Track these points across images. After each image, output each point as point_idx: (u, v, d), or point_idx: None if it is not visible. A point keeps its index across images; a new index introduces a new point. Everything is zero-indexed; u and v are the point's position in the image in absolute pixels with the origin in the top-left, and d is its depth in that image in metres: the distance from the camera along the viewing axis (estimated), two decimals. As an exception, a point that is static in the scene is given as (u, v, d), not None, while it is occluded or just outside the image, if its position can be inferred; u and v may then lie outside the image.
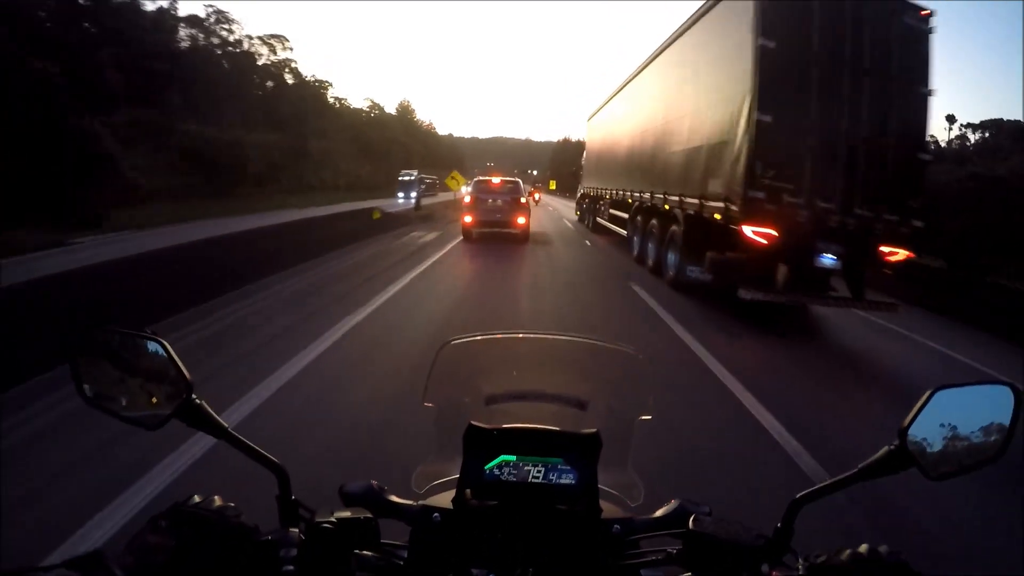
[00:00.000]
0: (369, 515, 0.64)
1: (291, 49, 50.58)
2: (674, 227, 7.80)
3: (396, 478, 0.82)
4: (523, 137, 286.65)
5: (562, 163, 79.26)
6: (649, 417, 0.84)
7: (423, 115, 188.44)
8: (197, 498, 0.62)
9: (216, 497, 0.63)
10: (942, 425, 0.62)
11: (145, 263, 5.95)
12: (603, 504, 0.71)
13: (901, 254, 5.87)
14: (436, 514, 0.69)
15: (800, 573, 0.62)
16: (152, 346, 0.67)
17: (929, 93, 6.01)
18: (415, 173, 39.88)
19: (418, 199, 30.07)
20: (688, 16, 8.08)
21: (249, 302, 6.01)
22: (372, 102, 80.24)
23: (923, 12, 5.92)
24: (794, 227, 5.70)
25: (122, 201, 19.08)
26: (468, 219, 12.52)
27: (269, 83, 48.19)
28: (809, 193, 5.68)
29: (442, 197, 38.48)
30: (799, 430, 3.29)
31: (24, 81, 16.93)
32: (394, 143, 67.44)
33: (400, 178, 40.18)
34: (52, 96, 17.70)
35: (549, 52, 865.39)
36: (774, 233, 5.66)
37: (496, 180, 13.26)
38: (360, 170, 49.17)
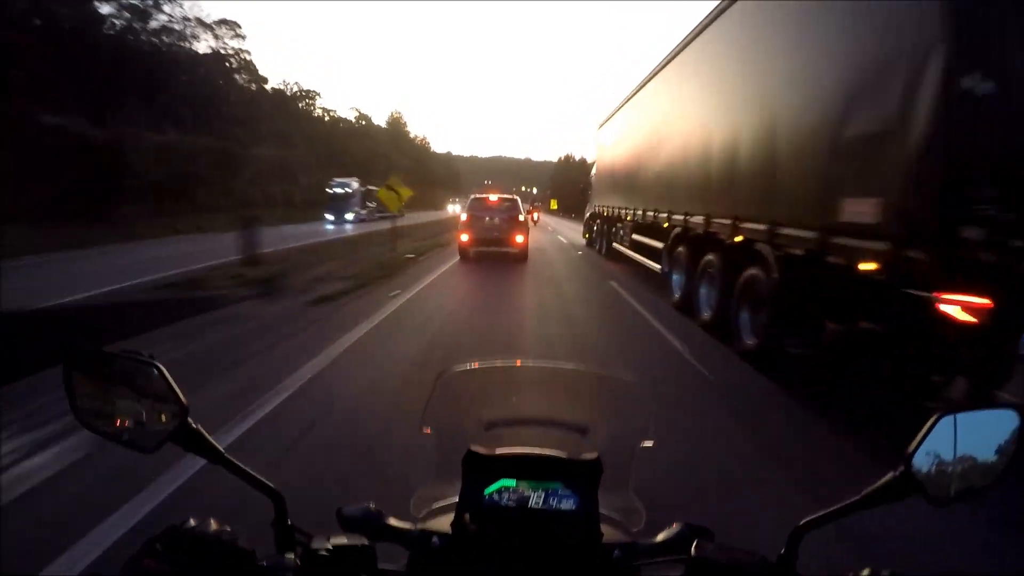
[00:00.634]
0: (366, 542, 0.65)
1: (243, 38, 43.41)
2: (754, 271, 5.04)
3: (394, 501, 0.79)
4: (523, 156, 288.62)
5: (564, 181, 77.16)
6: (651, 444, 0.83)
7: (418, 131, 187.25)
8: (193, 521, 0.61)
9: (213, 520, 0.62)
10: (947, 450, 0.61)
11: None
12: (604, 529, 0.70)
13: None
14: (435, 538, 0.69)
15: None
16: (148, 369, 0.67)
17: None
18: (354, 184, 30.58)
19: (366, 217, 25.83)
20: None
21: None
22: (359, 112, 75.93)
23: None
24: (1016, 291, 3.09)
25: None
26: (465, 238, 12.22)
27: (204, 74, 36.24)
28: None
29: (422, 218, 33.69)
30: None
31: None
32: (377, 156, 63.05)
33: (330, 190, 30.39)
34: None
35: (550, 73, 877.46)
36: (989, 303, 3.06)
37: (493, 198, 12.77)
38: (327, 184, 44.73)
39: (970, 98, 2.98)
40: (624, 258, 11.96)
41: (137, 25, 31.36)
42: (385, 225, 16.88)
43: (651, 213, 8.98)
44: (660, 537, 0.72)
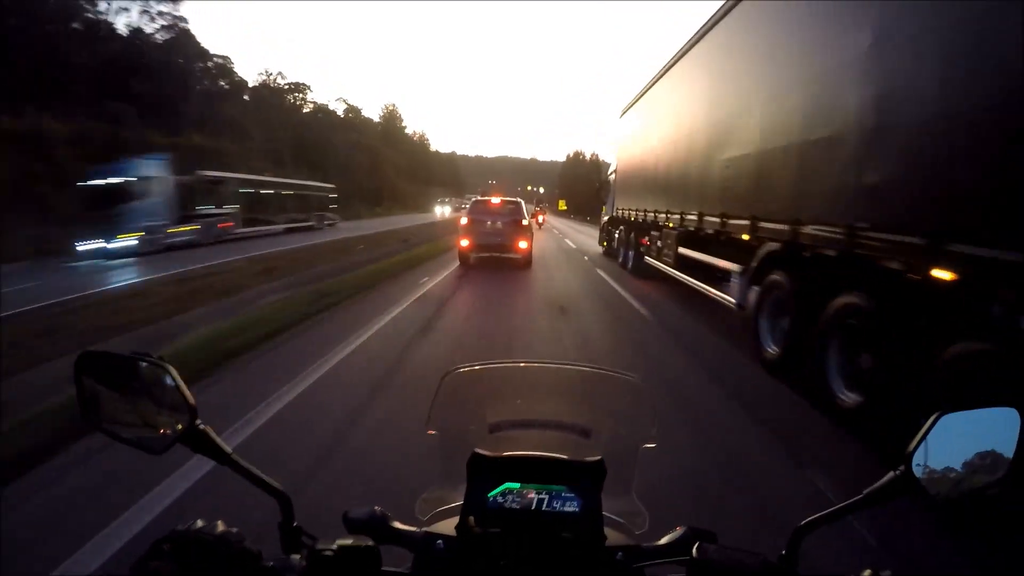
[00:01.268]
0: (371, 543, 0.65)
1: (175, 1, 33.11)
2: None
3: (400, 505, 0.80)
4: (528, 157, 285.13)
5: (574, 179, 73.12)
6: (653, 445, 0.83)
7: (417, 127, 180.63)
8: (200, 522, 0.62)
9: (219, 522, 0.62)
10: (947, 450, 0.60)
11: None
12: (607, 531, 0.71)
13: None
14: (440, 541, 0.70)
15: None
16: (157, 371, 0.67)
17: None
18: (147, 170, 16.32)
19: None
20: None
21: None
22: (347, 103, 70.86)
23: None
24: None
25: None
26: (465, 243, 11.56)
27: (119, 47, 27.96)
28: None
29: (388, 225, 29.44)
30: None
31: None
32: (364, 150, 58.17)
33: (94, 182, 15.39)
34: None
35: (556, 72, 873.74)
36: None
37: (495, 200, 12.19)
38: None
39: None
40: (660, 276, 9.40)
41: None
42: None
43: (716, 219, 6.30)
44: (663, 540, 0.72)
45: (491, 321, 6.66)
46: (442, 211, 54.62)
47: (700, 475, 2.81)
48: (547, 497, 0.69)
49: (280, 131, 43.84)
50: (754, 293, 5.41)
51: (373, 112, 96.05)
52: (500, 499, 0.69)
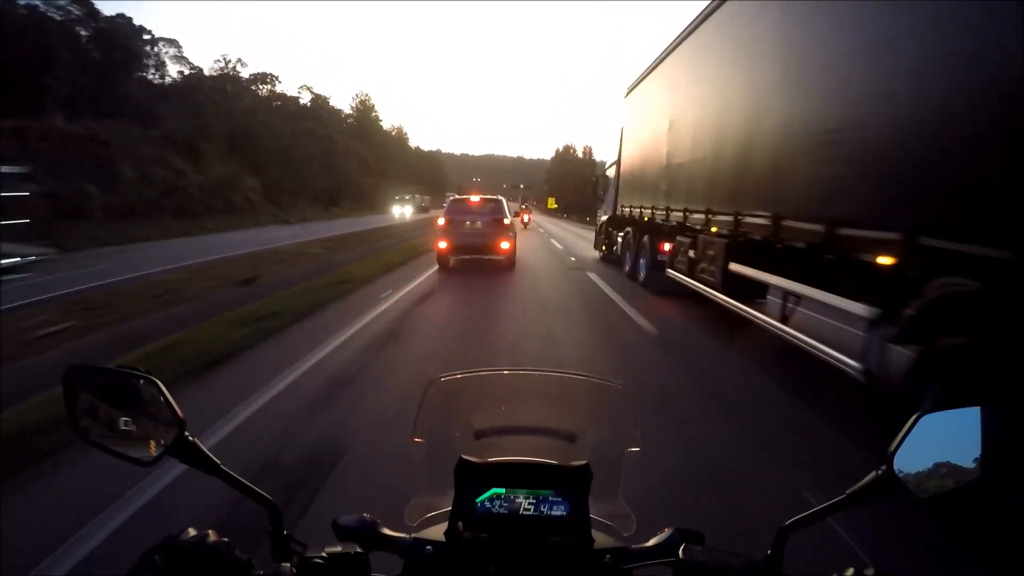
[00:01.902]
0: (360, 550, 0.66)
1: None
2: None
3: (389, 512, 0.80)
4: (515, 155, 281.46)
5: (564, 173, 68.71)
6: (637, 449, 0.83)
7: (395, 121, 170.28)
8: (192, 531, 0.62)
9: (211, 531, 0.63)
10: (927, 450, 0.61)
11: None
12: (596, 535, 0.71)
13: None
14: (429, 547, 0.70)
15: None
16: (145, 384, 0.68)
17: None
18: None
19: None
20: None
21: None
22: (310, 91, 64.01)
23: None
24: None
25: None
26: (443, 244, 10.74)
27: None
28: None
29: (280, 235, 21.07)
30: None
31: None
32: (319, 141, 49.89)
33: None
34: None
35: (543, 71, 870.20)
36: None
37: (475, 199, 11.56)
38: (186, 179, 29.53)
39: None
40: (688, 296, 6.98)
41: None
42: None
43: (815, 227, 3.91)
44: (651, 542, 0.73)
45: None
46: (401, 212, 43.68)
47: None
48: (535, 502, 0.70)
49: (215, 119, 38.12)
50: (903, 356, 3.04)
51: (346, 103, 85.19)
52: (488, 504, 0.70)
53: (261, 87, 54.30)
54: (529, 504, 0.70)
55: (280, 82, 60.78)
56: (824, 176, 3.88)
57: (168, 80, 41.19)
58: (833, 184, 3.78)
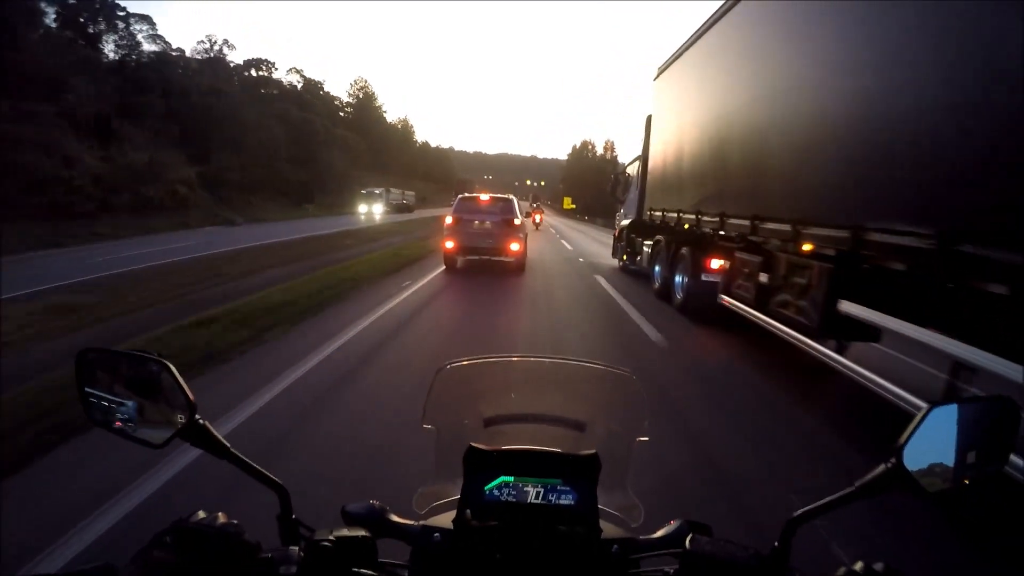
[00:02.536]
0: (367, 534, 0.67)
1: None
2: None
3: (398, 499, 0.80)
4: (529, 154, 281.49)
5: (584, 170, 62.52)
6: (646, 439, 0.84)
7: (401, 113, 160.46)
8: (201, 514, 0.63)
9: (220, 514, 0.63)
10: (938, 443, 0.61)
11: None
12: (603, 524, 0.71)
13: None
14: (437, 534, 0.71)
15: None
16: (156, 367, 0.68)
17: None
18: None
19: None
20: None
21: None
22: (301, 74, 58.77)
23: None
24: None
25: None
26: (450, 244, 10.16)
27: None
28: None
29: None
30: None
31: None
32: (294, 125, 43.17)
33: None
34: None
35: (558, 69, 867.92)
36: None
37: (485, 197, 10.96)
38: (77, 169, 22.85)
39: None
40: (741, 325, 5.29)
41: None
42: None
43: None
44: (659, 532, 0.73)
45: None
46: (368, 211, 36.61)
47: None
48: (543, 490, 0.70)
49: (161, 100, 32.91)
50: None
51: (345, 92, 78.81)
52: (496, 492, 0.70)
53: (255, 73, 51.68)
54: (537, 493, 0.70)
55: (276, 69, 56.38)
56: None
57: (117, 55, 36.03)
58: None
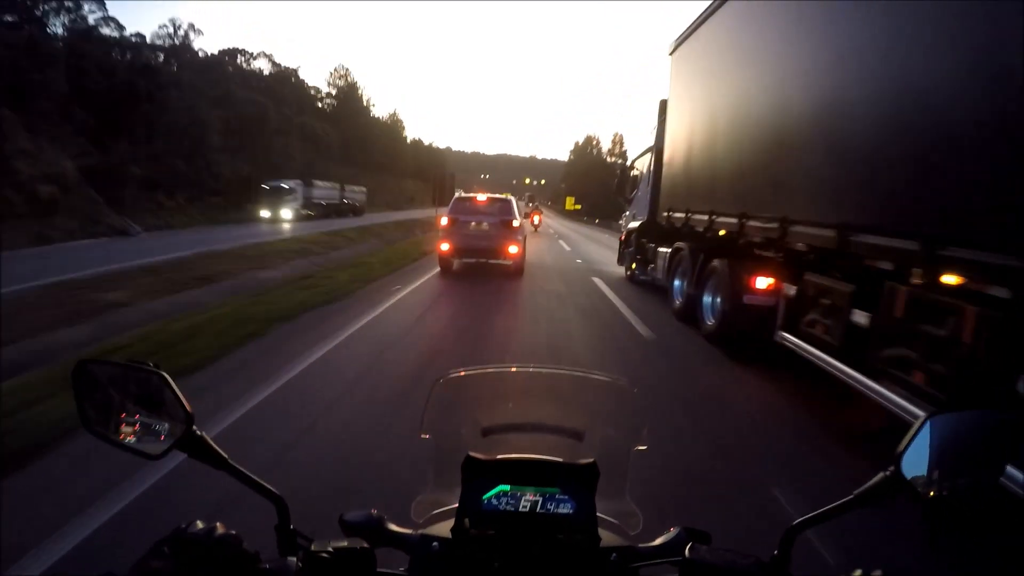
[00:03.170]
0: (366, 545, 0.66)
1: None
2: None
3: (395, 508, 0.81)
4: (528, 155, 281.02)
5: (589, 166, 57.85)
6: (644, 448, 0.83)
7: (390, 108, 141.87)
8: (200, 524, 0.62)
9: (218, 524, 0.63)
10: (935, 451, 0.60)
11: None
12: (602, 533, 0.71)
13: None
14: (435, 543, 0.71)
15: None
16: (154, 378, 0.69)
17: None
18: None
19: None
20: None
21: None
22: (270, 59, 52.94)
23: None
24: None
25: None
26: (446, 247, 9.87)
27: None
28: None
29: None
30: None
31: None
32: (232, 105, 35.89)
33: None
34: None
35: (557, 70, 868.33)
36: None
37: (482, 198, 10.81)
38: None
39: None
40: (801, 365, 4.12)
41: None
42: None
43: None
44: (658, 541, 0.73)
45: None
46: (270, 214, 27.62)
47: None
48: (541, 499, 0.70)
49: (92, 80, 25.33)
50: None
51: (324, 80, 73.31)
52: (494, 501, 0.70)
53: (242, 63, 47.17)
54: (536, 502, 0.70)
55: (255, 59, 51.33)
56: None
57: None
58: None
